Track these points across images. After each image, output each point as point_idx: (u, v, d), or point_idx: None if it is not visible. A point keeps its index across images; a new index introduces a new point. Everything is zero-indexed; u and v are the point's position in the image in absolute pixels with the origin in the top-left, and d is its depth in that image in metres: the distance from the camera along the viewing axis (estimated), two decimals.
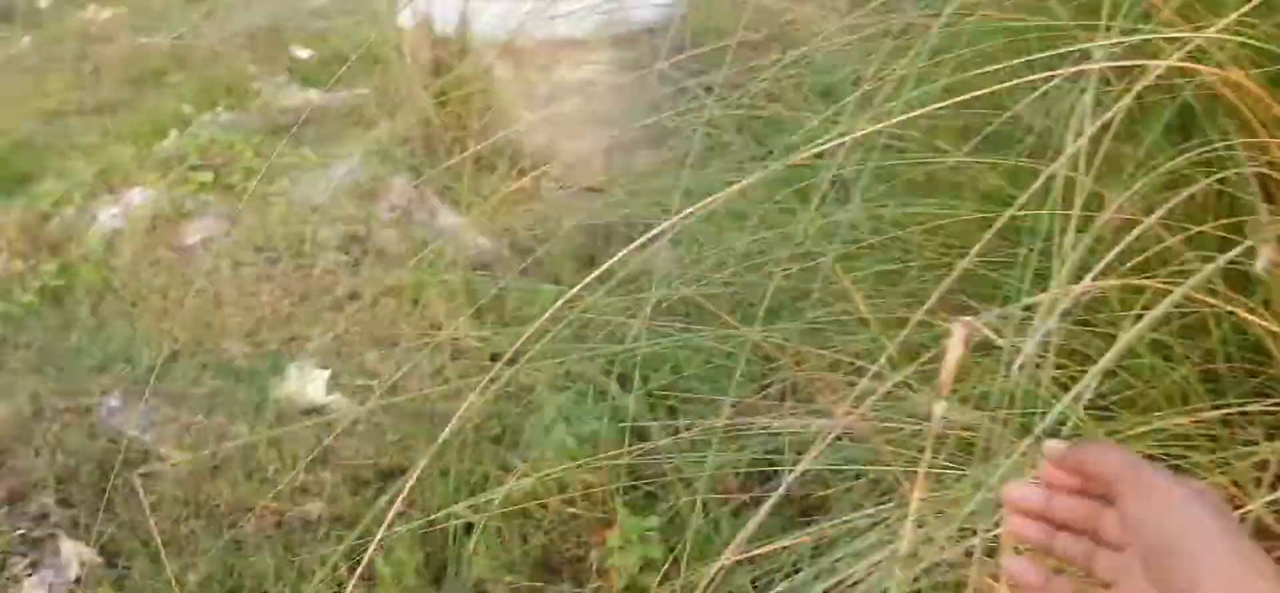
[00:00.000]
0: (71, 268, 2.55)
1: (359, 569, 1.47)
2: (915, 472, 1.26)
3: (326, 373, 2.17)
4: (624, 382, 2.03)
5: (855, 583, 1.36)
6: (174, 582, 1.66)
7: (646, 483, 1.85)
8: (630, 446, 1.91)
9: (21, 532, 1.65)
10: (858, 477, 1.45)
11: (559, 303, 2.05)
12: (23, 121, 3.69)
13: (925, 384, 1.34)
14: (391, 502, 1.83)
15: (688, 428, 1.92)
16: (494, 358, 2.36)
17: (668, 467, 1.81)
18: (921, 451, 0.92)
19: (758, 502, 1.64)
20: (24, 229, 2.68)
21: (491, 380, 2.22)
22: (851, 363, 1.64)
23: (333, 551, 1.75)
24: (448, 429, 1.78)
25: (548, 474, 1.83)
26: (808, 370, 1.71)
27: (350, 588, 1.72)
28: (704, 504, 1.74)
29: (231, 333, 2.27)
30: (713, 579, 1.63)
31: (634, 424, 1.88)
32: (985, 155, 1.49)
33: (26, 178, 3.13)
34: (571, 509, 1.84)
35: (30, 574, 1.61)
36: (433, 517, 1.85)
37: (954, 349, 0.76)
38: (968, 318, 0.74)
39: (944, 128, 1.65)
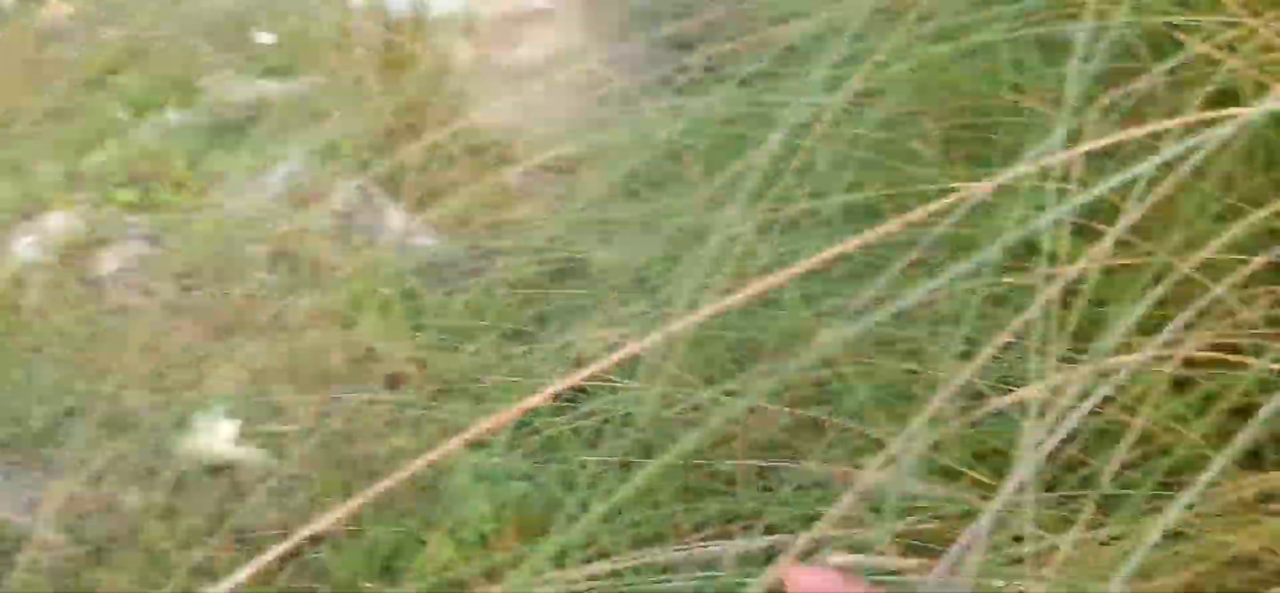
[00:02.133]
0: None
1: None
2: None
3: (235, 423, 1.94)
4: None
5: None
6: None
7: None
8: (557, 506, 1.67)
9: None
10: None
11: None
12: None
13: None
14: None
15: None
16: (435, 387, 2.13)
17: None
18: None
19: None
20: None
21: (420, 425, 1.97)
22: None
23: None
24: (350, 505, 1.53)
25: (465, 548, 1.60)
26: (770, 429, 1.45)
27: None
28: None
29: (135, 380, 2.05)
30: None
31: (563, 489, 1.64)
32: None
33: None
34: (496, 589, 1.60)
35: None
36: None
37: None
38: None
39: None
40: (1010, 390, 0.85)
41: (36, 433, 1.93)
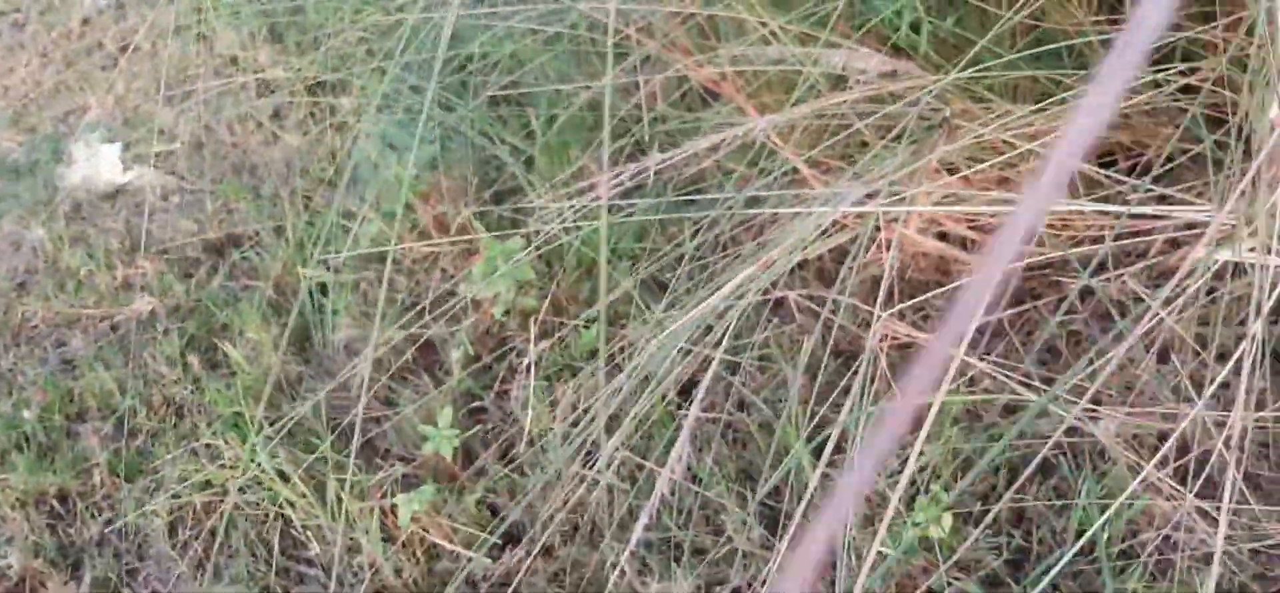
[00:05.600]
0: None
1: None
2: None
3: (118, 146, 1.92)
4: (461, 89, 1.86)
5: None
6: (9, 426, 1.51)
7: (507, 202, 1.73)
8: (477, 161, 1.78)
9: None
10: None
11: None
12: None
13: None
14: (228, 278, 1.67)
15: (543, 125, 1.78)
16: (308, 87, 2.13)
17: (524, 178, 1.69)
18: None
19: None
20: None
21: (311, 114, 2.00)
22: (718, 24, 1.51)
23: (176, 348, 1.61)
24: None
25: (391, 214, 1.70)
26: (663, 44, 1.57)
27: (207, 383, 1.60)
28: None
29: None
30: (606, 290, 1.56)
31: (478, 137, 1.74)
32: None
33: None
34: (428, 246, 1.72)
35: None
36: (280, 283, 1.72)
37: None
38: None
39: None
40: None
41: None
